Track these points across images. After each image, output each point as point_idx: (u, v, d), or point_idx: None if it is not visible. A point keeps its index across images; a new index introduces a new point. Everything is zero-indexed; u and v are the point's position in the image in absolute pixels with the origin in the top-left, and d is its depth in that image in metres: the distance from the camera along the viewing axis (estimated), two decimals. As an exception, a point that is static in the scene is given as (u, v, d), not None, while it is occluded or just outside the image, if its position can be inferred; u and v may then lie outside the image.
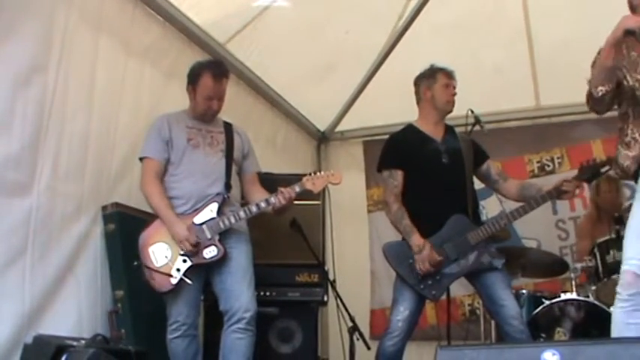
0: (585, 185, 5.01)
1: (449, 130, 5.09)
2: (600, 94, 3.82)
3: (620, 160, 3.92)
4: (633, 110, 3.85)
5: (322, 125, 8.22)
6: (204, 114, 4.80)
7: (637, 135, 3.82)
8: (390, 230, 4.99)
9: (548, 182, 5.40)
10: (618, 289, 3.75)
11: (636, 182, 3.89)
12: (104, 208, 4.84)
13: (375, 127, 7.89)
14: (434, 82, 5.01)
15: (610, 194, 6.27)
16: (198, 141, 4.77)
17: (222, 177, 4.73)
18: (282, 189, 4.69)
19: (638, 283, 3.65)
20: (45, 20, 4.41)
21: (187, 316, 4.57)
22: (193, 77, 4.78)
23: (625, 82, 3.85)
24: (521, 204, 4.84)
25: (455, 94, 5.01)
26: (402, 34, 6.86)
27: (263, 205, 4.66)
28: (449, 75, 5.03)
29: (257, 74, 6.74)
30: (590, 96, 3.90)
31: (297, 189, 4.70)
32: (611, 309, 3.92)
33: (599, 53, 3.89)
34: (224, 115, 4.97)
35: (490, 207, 5.24)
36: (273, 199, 4.67)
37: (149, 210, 4.68)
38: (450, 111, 5.04)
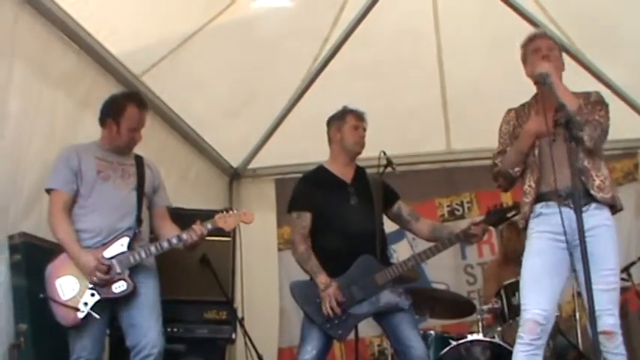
0: (493, 231, 5.11)
1: (359, 171, 5.14)
2: (517, 174, 4.29)
3: (522, 207, 4.27)
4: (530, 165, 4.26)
5: (235, 162, 8.20)
6: (127, 146, 4.74)
7: (527, 186, 4.23)
8: (300, 269, 4.99)
9: (457, 227, 5.48)
10: (521, 333, 3.99)
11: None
12: (11, 237, 4.68)
13: (287, 165, 7.91)
14: (343, 123, 5.06)
15: (511, 242, 6.40)
16: (109, 174, 4.68)
17: (134, 211, 4.66)
18: (195, 226, 4.64)
19: (538, 330, 3.94)
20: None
21: (91, 352, 4.45)
22: (116, 109, 4.69)
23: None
24: (429, 246, 4.91)
25: (363, 135, 5.06)
26: (317, 75, 6.93)
27: (174, 241, 4.61)
28: (358, 117, 5.07)
29: (171, 108, 6.69)
30: (500, 174, 4.37)
31: (209, 226, 4.67)
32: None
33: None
34: (137, 149, 4.91)
35: (401, 251, 5.30)
36: (184, 236, 4.62)
37: (58, 241, 4.57)
38: (359, 152, 5.09)
